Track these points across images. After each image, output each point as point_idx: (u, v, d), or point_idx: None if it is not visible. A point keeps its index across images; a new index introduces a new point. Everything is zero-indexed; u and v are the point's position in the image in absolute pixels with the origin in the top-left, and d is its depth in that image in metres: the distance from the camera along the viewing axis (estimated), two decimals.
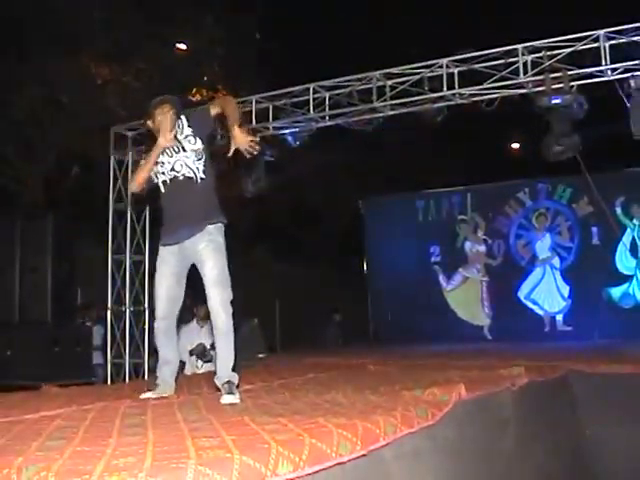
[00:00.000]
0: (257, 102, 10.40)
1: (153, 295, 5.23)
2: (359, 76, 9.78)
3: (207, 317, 9.20)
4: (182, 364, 9.25)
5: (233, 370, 4.85)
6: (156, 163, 4.99)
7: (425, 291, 14.67)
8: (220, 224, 4.96)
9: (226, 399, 4.58)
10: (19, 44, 14.56)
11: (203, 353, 8.95)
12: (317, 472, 2.96)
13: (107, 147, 11.44)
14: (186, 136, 5.01)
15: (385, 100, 9.66)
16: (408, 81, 9.49)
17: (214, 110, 5.04)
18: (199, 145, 4.98)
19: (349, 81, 9.84)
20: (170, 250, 5.01)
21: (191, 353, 9.04)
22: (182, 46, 16.57)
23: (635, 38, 8.18)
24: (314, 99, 10.00)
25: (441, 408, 4.22)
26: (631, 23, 8.17)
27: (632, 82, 8.28)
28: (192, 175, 4.92)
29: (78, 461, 2.77)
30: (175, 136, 4.97)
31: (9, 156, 15.29)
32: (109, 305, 11.03)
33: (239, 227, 15.93)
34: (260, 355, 9.17)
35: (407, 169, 17.87)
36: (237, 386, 4.81)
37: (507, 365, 6.51)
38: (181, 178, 4.93)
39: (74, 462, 2.75)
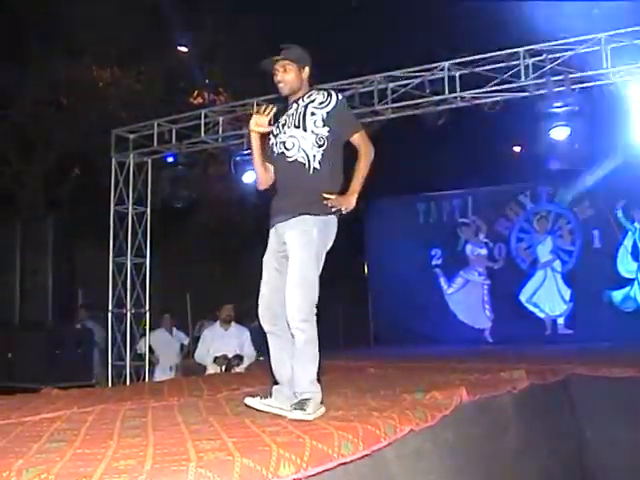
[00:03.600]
0: (258, 105, 10.40)
1: None
2: (361, 79, 9.78)
3: (230, 319, 9.34)
4: (203, 368, 9.34)
5: (311, 385, 4.05)
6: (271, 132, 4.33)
7: (426, 294, 14.66)
8: (322, 217, 4.18)
9: (292, 414, 3.81)
10: (21, 46, 14.58)
11: (228, 366, 9.02)
12: (320, 473, 2.96)
13: (108, 149, 11.45)
14: (313, 113, 4.23)
15: (387, 103, 9.66)
16: (410, 84, 9.50)
17: (356, 136, 4.30)
18: (324, 132, 4.19)
19: (351, 84, 9.84)
20: (271, 234, 4.31)
21: (215, 362, 9.09)
22: (183, 49, 16.58)
23: (636, 41, 8.18)
24: None
25: (440, 411, 4.22)
26: (632, 26, 8.17)
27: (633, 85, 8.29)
28: (304, 161, 4.17)
29: (78, 463, 2.77)
30: (306, 103, 4.26)
31: (10, 157, 15.30)
32: (110, 307, 11.04)
33: (239, 227, 15.96)
34: (260, 358, 9.18)
35: (408, 172, 17.84)
36: (321, 402, 4.01)
37: (508, 368, 6.51)
38: (290, 159, 4.20)
39: (74, 464, 2.76)
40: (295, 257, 4.12)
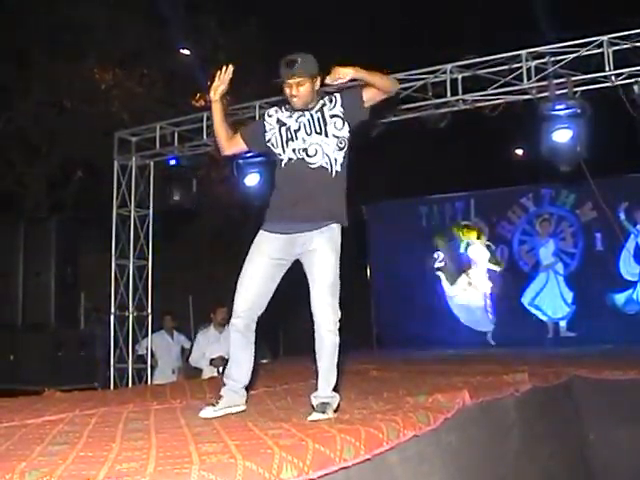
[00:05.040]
0: (261, 107, 10.39)
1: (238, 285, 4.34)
2: None
3: (225, 322, 9.31)
4: (199, 371, 9.33)
5: (335, 390, 4.17)
6: (283, 132, 4.35)
7: (428, 296, 14.63)
8: (342, 226, 4.29)
9: (314, 416, 3.93)
10: (23, 49, 14.60)
11: (225, 367, 9.01)
12: (322, 477, 2.96)
13: (111, 152, 11.45)
14: (333, 115, 4.30)
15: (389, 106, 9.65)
16: (412, 87, 9.49)
17: (367, 94, 4.31)
18: (345, 133, 4.30)
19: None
20: (273, 239, 4.30)
21: (211, 363, 9.08)
22: (185, 51, 16.59)
23: (639, 44, 8.18)
24: None
25: (443, 413, 4.22)
26: (635, 29, 8.17)
27: (636, 88, 8.28)
28: (328, 166, 4.23)
29: (81, 466, 2.78)
30: (319, 109, 4.31)
31: (13, 160, 15.31)
32: (112, 310, 11.04)
33: (241, 230, 15.95)
34: (263, 360, 9.18)
35: (410, 174, 17.85)
36: (336, 410, 4.10)
37: (511, 371, 6.50)
38: (314, 166, 4.23)
39: (77, 467, 2.76)
40: (328, 264, 4.17)
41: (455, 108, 9.48)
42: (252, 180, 10.50)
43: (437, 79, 9.34)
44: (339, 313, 4.14)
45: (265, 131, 4.43)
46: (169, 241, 14.37)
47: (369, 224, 15.64)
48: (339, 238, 4.26)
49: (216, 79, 4.45)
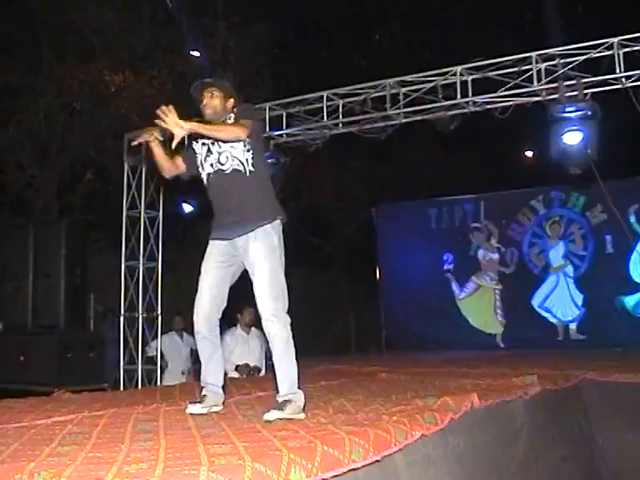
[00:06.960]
0: (271, 109, 10.41)
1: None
2: (373, 83, 9.78)
3: (252, 323, 9.27)
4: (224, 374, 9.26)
5: (292, 387, 4.28)
6: (197, 152, 4.67)
7: (438, 299, 14.61)
8: (277, 221, 4.51)
9: (268, 415, 4.03)
10: (34, 51, 14.63)
11: (249, 375, 9.01)
12: (330, 479, 2.96)
13: (121, 154, 11.44)
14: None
15: (399, 108, 9.65)
16: (422, 89, 9.49)
17: (243, 120, 4.49)
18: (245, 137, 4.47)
19: (363, 88, 9.84)
20: (217, 245, 4.58)
21: (236, 369, 9.05)
22: (195, 54, 16.60)
23: None
24: (328, 106, 10.00)
25: (450, 415, 4.21)
26: None
27: None
28: (240, 167, 4.49)
29: (90, 467, 2.78)
30: (223, 122, 4.58)
31: (23, 162, 15.34)
32: (122, 312, 11.04)
33: None
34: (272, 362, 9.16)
35: (420, 177, 17.84)
36: (304, 408, 4.21)
37: (520, 374, 6.49)
38: (228, 171, 4.50)
39: (86, 468, 2.76)
40: (263, 267, 4.39)
41: (465, 110, 9.47)
42: None
43: (447, 81, 9.34)
44: (283, 315, 4.39)
45: (196, 154, 4.70)
46: (178, 242, 14.38)
47: (379, 226, 15.63)
48: (275, 235, 4.46)
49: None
